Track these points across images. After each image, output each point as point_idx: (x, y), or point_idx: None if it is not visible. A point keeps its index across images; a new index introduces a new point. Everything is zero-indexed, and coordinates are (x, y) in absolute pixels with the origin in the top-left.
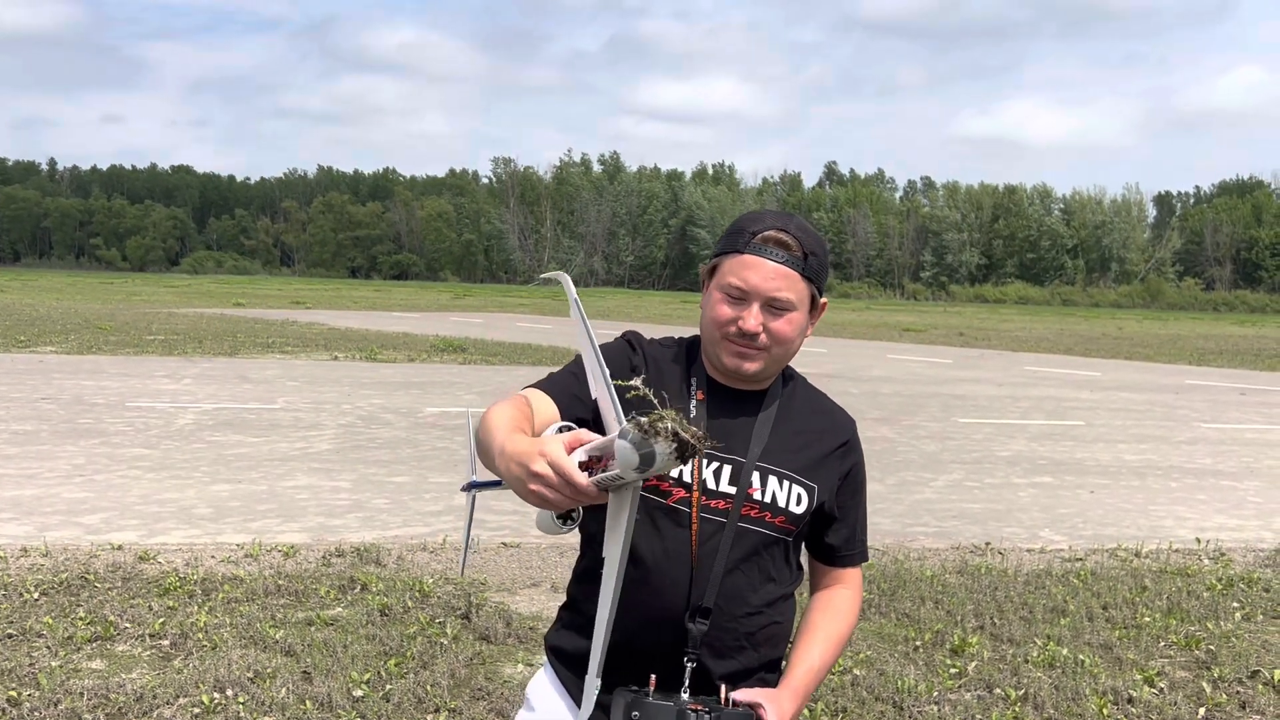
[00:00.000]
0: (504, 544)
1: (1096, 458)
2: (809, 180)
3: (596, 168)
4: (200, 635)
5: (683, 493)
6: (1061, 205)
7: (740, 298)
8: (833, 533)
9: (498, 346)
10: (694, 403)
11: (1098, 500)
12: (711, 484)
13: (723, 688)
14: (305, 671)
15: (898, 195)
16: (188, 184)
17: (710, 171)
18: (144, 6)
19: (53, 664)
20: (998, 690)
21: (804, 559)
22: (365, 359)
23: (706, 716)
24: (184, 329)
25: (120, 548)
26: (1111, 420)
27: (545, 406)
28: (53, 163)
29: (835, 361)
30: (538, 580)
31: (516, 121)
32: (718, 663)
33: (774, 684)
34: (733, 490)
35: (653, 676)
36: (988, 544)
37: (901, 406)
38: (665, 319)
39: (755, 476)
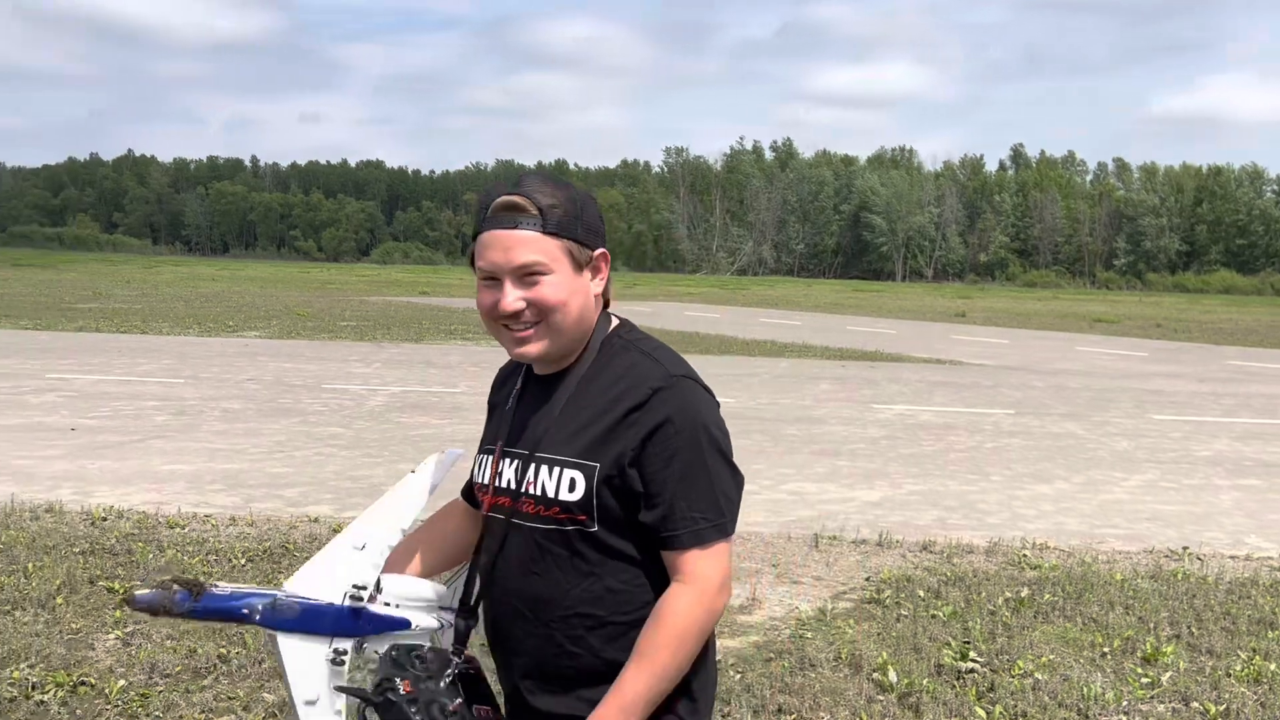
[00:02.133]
0: None
1: None
2: (991, 163)
3: (768, 155)
4: None
5: (484, 495)
6: (1275, 187)
7: (493, 279)
8: (645, 511)
9: (665, 335)
10: (513, 398)
11: None
12: (500, 483)
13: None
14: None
15: (1088, 178)
16: (377, 178)
17: (888, 156)
18: (338, 10)
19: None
20: (1195, 704)
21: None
22: None
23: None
24: (374, 316)
25: (316, 520)
26: None
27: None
28: (255, 160)
29: (1018, 353)
30: None
31: (688, 111)
32: (541, 674)
33: None
34: (514, 487)
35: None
36: (1185, 548)
37: (1090, 401)
38: (834, 308)
39: (532, 469)
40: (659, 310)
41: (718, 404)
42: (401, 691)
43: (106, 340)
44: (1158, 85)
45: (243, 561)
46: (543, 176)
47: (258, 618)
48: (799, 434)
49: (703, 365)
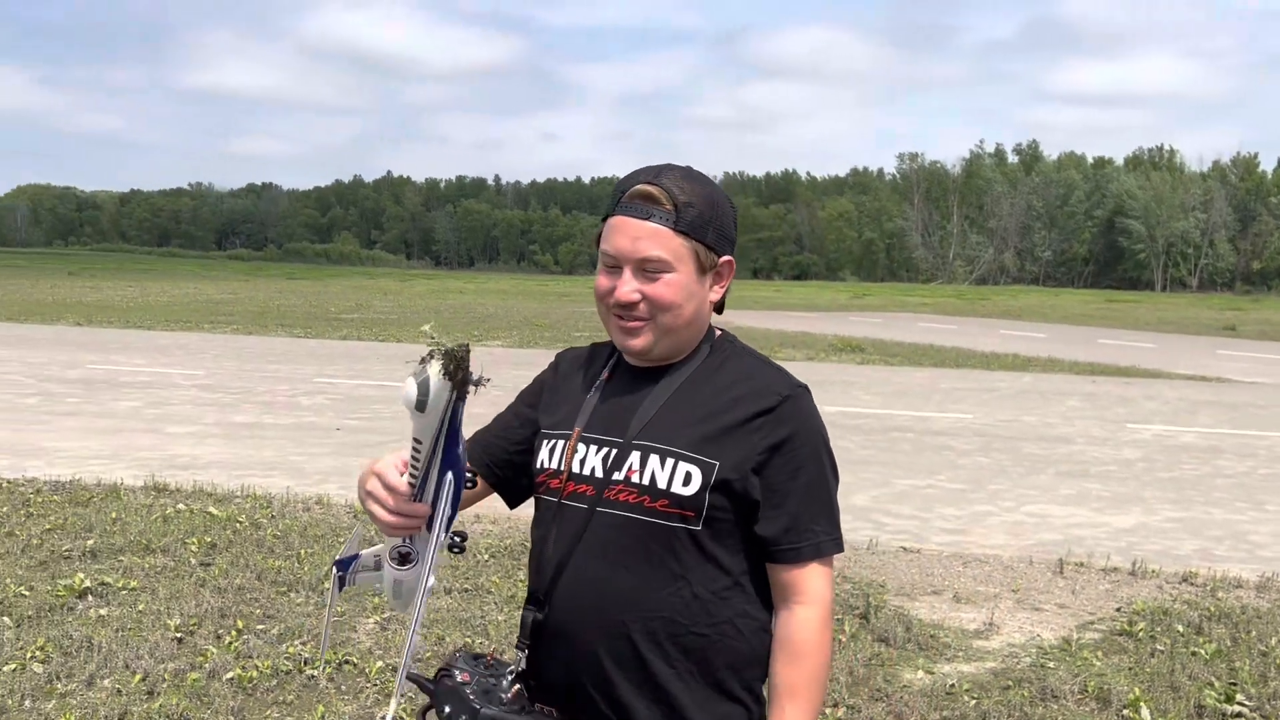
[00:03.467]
0: (904, 549)
1: None
2: (1268, 162)
3: (1011, 158)
4: None
5: (557, 482)
6: None
7: (614, 266)
8: (765, 521)
9: (897, 347)
10: (596, 386)
11: None
12: (578, 469)
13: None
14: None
15: None
16: (610, 194)
17: (1146, 157)
18: (575, 32)
19: (499, 618)
20: None
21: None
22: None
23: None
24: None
25: None
26: None
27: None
28: (498, 178)
29: None
30: (939, 588)
31: (924, 116)
32: (621, 675)
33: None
34: (601, 474)
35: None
36: None
37: None
38: (1084, 320)
39: (635, 457)
40: (890, 320)
41: None
42: (458, 679)
43: (367, 348)
44: None
45: (486, 558)
46: (685, 172)
47: (461, 451)
48: (1043, 453)
49: (935, 379)
